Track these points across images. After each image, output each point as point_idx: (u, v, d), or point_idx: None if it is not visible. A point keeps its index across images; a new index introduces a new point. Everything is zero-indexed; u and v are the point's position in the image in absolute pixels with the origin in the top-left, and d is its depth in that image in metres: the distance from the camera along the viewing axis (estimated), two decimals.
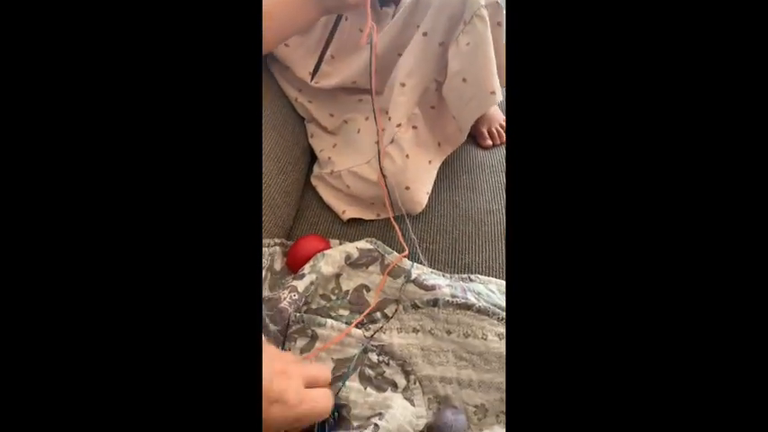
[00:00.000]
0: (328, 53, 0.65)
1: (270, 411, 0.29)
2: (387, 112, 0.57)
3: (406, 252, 0.52)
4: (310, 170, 0.68)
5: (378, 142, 0.56)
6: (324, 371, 0.36)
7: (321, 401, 0.33)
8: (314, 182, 0.66)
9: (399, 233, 0.53)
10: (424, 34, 0.54)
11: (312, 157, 0.69)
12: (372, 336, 0.46)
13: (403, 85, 0.55)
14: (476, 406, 0.43)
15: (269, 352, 0.32)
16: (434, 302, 0.47)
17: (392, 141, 0.56)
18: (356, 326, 0.47)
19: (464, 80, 0.53)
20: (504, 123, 0.73)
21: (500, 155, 0.70)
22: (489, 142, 0.71)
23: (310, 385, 0.33)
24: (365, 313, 0.47)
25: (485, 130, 0.72)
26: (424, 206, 0.57)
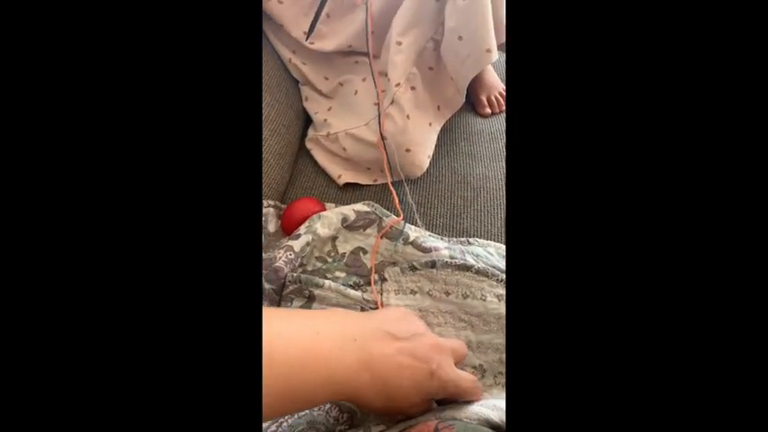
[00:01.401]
0: (324, 11, 0.62)
1: (429, 385, 0.29)
2: (386, 75, 0.56)
3: (401, 217, 0.50)
4: (304, 135, 0.66)
5: (378, 104, 0.55)
6: (462, 345, 0.36)
7: (473, 384, 0.33)
8: (309, 145, 0.64)
9: (396, 198, 0.51)
10: None
11: (306, 122, 0.67)
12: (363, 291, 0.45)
13: (399, 43, 0.54)
14: (474, 367, 0.43)
15: (404, 317, 0.32)
16: (433, 264, 0.46)
17: (392, 102, 0.54)
18: (354, 288, 0.46)
19: (460, 38, 0.51)
20: (502, 91, 0.72)
21: (498, 123, 0.69)
22: (488, 110, 0.70)
23: (456, 360, 0.33)
24: (372, 283, 0.46)
25: (483, 98, 0.70)
26: (424, 170, 0.56)
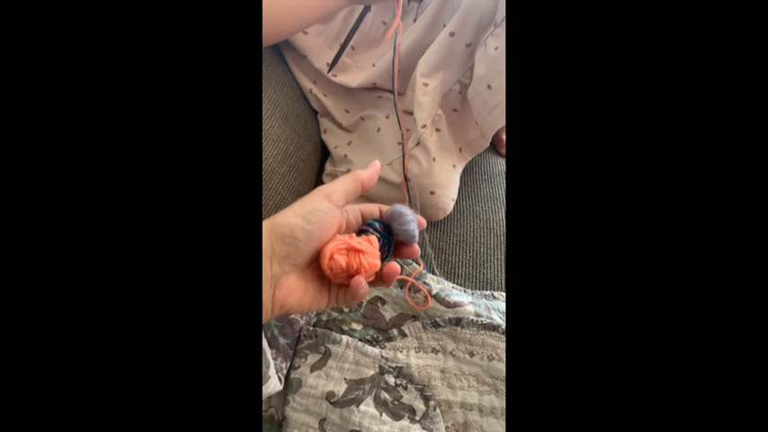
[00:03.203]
0: (349, 44, 0.61)
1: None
2: (410, 113, 0.54)
3: (422, 266, 0.48)
4: (321, 169, 0.64)
5: (402, 144, 0.53)
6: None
7: (353, 176, 0.31)
8: (326, 180, 0.62)
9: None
10: (451, 34, 0.50)
11: (323, 155, 0.65)
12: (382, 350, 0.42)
13: (426, 84, 0.52)
14: None
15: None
16: (457, 321, 0.43)
17: (418, 143, 0.52)
18: (372, 344, 0.43)
19: (489, 87, 0.49)
20: None
21: None
22: None
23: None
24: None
25: (505, 138, 0.68)
26: (448, 213, 0.54)
